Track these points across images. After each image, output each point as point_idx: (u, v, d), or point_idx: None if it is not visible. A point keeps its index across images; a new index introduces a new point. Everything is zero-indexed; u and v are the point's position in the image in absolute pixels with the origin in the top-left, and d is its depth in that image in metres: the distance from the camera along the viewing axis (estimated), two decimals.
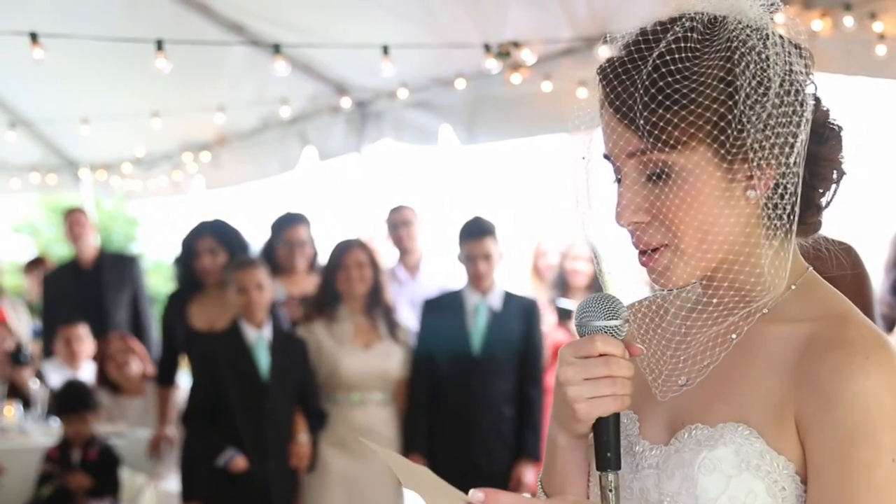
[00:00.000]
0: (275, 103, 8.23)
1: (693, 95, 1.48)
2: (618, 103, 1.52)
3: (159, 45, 5.91)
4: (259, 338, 5.74)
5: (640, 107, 1.49)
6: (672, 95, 1.48)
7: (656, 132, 1.49)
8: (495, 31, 6.49)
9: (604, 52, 6.12)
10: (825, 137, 1.58)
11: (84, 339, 7.80)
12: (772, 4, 1.54)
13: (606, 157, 1.58)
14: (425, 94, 7.64)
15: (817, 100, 1.57)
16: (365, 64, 6.83)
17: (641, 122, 1.49)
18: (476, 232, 5.91)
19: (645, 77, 1.49)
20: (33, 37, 5.79)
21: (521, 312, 5.93)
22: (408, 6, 6.65)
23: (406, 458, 1.52)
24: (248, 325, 5.74)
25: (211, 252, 6.28)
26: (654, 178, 1.53)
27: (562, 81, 6.66)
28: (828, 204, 1.62)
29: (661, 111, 1.49)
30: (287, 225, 6.70)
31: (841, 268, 1.69)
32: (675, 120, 1.49)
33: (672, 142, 1.49)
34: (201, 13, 7.33)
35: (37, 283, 10.07)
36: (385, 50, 6.33)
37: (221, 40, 7.38)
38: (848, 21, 5.46)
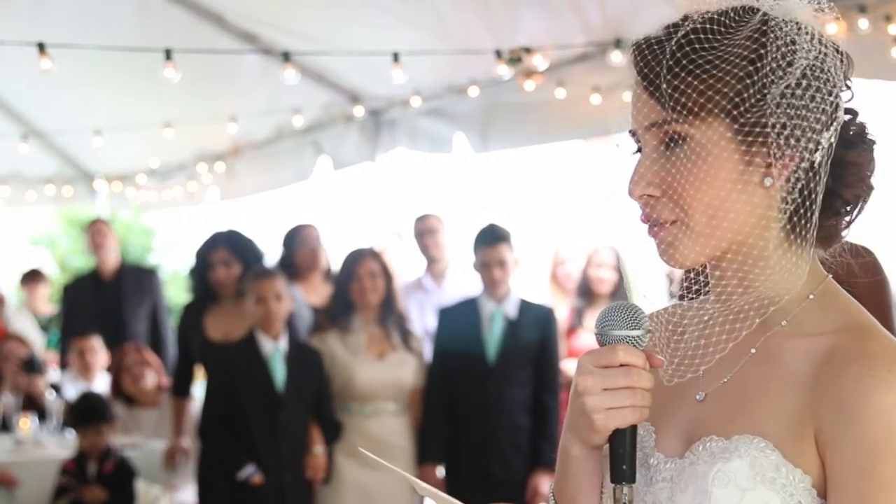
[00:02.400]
0: (288, 113, 8.23)
1: (717, 62, 1.48)
2: (646, 71, 1.53)
3: (168, 54, 5.91)
4: (275, 349, 5.71)
5: (665, 72, 1.50)
6: (696, 61, 1.49)
7: (676, 96, 1.49)
8: (507, 38, 6.46)
9: (617, 58, 6.08)
10: (854, 143, 1.56)
11: (97, 350, 7.80)
12: (819, 2, 1.53)
13: (632, 133, 1.58)
14: (438, 101, 7.62)
15: (854, 112, 1.56)
16: (378, 72, 6.82)
17: (664, 86, 1.50)
18: (490, 239, 5.88)
19: (674, 45, 1.51)
20: (41, 47, 5.77)
21: (536, 320, 5.89)
22: (419, 14, 6.63)
23: (415, 478, 1.50)
24: (264, 336, 5.72)
25: (225, 264, 6.29)
26: (670, 147, 1.52)
27: (575, 88, 6.63)
28: (852, 221, 1.58)
29: (682, 74, 1.49)
30: (298, 231, 6.96)
31: (860, 275, 1.66)
32: (696, 83, 1.48)
33: (692, 106, 1.49)
34: (214, 23, 7.33)
35: (34, 296, 10.09)
36: (396, 57, 6.31)
37: (233, 49, 7.37)
38: (863, 24, 5.42)
